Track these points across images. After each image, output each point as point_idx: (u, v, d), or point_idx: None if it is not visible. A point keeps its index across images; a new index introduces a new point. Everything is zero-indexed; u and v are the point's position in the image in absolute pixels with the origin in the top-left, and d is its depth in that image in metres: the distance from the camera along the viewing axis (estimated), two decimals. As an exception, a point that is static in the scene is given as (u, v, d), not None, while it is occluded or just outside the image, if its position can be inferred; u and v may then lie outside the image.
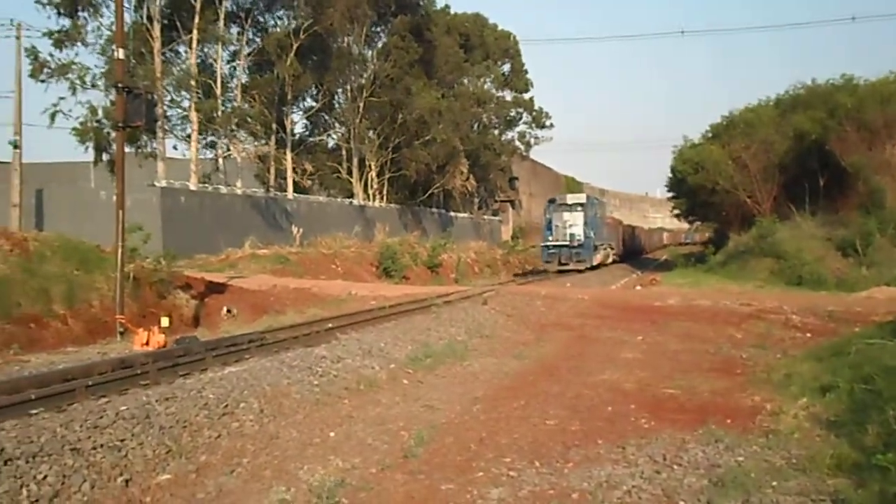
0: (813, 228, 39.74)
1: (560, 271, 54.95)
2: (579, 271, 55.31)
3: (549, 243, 57.71)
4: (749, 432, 9.97)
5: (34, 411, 10.73)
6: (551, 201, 62.62)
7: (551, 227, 57.78)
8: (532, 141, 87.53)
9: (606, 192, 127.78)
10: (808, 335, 19.15)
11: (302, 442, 10.08)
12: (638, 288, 35.08)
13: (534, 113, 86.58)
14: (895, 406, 9.17)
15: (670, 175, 66.90)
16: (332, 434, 10.38)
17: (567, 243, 55.73)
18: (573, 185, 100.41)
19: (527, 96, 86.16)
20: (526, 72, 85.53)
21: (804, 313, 23.08)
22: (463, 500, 7.79)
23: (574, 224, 56.17)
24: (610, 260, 68.25)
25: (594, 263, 58.90)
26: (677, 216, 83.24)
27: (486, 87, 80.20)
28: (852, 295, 28.16)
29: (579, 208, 58.36)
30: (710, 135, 57.71)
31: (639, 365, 15.42)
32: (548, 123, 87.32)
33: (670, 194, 75.13)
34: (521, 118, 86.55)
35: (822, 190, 42.50)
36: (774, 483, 7.98)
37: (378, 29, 63.30)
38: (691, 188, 60.24)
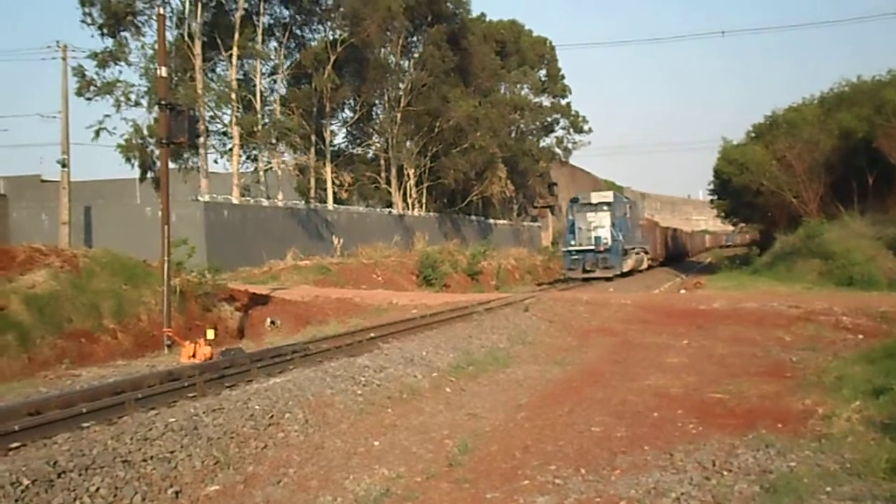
0: (862, 228, 38.96)
1: (585, 279, 46.85)
2: (607, 279, 46.73)
3: (571, 248, 48.78)
4: (800, 437, 9.86)
5: (86, 424, 10.85)
6: (574, 201, 53.08)
7: (574, 229, 49.02)
8: (570, 146, 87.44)
9: (647, 195, 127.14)
10: (860, 337, 18.96)
11: (347, 452, 10.07)
12: (682, 291, 34.79)
13: (571, 118, 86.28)
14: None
15: (713, 177, 65.62)
16: (376, 443, 10.38)
17: (592, 248, 47.06)
18: (613, 190, 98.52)
19: (564, 101, 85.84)
20: (563, 77, 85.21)
21: (855, 314, 22.72)
22: (510, 510, 7.78)
23: (599, 226, 47.47)
24: (645, 265, 59.19)
25: (624, 270, 49.61)
26: (721, 218, 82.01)
27: (523, 93, 79.99)
28: (905, 296, 27.75)
29: (605, 208, 48.91)
30: (753, 135, 56.87)
31: (685, 369, 15.33)
32: (586, 128, 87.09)
33: (713, 196, 73.96)
34: (558, 123, 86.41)
35: (871, 188, 41.77)
36: (828, 489, 7.85)
37: (414, 38, 63.15)
38: (735, 189, 58.58)
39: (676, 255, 78.02)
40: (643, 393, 13.12)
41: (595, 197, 50.94)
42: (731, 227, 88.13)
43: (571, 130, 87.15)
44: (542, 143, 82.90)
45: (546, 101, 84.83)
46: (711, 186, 70.71)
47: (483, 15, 72.16)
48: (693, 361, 16.29)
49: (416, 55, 63.44)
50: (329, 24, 57.47)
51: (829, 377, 13.78)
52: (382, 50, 60.27)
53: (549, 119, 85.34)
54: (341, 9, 55.54)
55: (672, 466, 8.79)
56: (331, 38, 56.64)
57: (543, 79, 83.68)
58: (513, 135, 74.40)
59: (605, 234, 46.93)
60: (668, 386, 13.63)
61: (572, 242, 48.34)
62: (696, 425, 10.73)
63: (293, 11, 55.59)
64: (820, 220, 42.77)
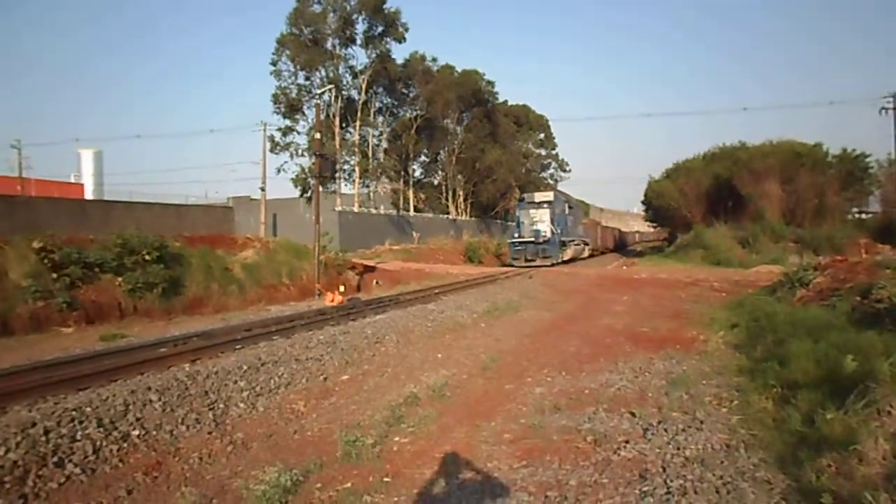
0: (725, 231, 40.31)
1: (528, 267, 34.94)
2: (547, 266, 35.67)
3: (515, 240, 37.83)
4: (690, 353, 9.88)
5: (275, 337, 11.13)
6: (521, 200, 41.57)
7: (519, 224, 38.33)
8: (558, 178, 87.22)
9: (603, 209, 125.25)
10: (724, 294, 18.84)
11: (421, 359, 10.17)
12: (623, 268, 34.57)
13: (559, 162, 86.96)
14: (772, 335, 9.28)
15: (644, 198, 65.01)
16: (439, 355, 10.46)
17: (532, 240, 36.57)
18: (583, 207, 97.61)
19: (554, 152, 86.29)
20: (554, 137, 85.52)
21: (721, 282, 22.75)
22: (519, 394, 7.87)
23: (540, 221, 37.06)
24: (586, 254, 48.00)
25: (564, 258, 38.72)
26: (647, 222, 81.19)
27: (528, 146, 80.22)
28: (747, 270, 27.93)
29: (545, 205, 38.25)
30: (666, 175, 56.53)
31: (624, 314, 15.29)
32: (567, 168, 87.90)
33: (644, 209, 73.14)
34: (550, 165, 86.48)
35: (731, 208, 42.98)
36: (704, 381, 7.99)
37: (464, 114, 63.47)
38: (655, 206, 59.12)
39: (622, 245, 77.26)
40: (600, 328, 13.12)
41: (538, 196, 38.98)
42: (652, 229, 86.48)
43: (559, 169, 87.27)
44: (541, 176, 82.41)
45: (543, 151, 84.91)
46: (642, 203, 70.12)
47: (506, 101, 72.28)
48: (629, 309, 16.24)
49: (465, 123, 63.68)
50: (413, 106, 57.99)
51: (706, 318, 13.77)
52: (445, 121, 60.51)
53: (545, 162, 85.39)
54: (421, 98, 56.35)
55: (616, 370, 8.84)
56: (413, 114, 57.19)
57: (542, 139, 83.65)
58: (523, 171, 74.13)
59: (545, 228, 36.20)
60: (615, 324, 13.62)
61: (516, 235, 37.20)
62: (631, 347, 10.74)
63: (392, 99, 56.17)
64: (702, 226, 44.10)
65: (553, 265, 34.52)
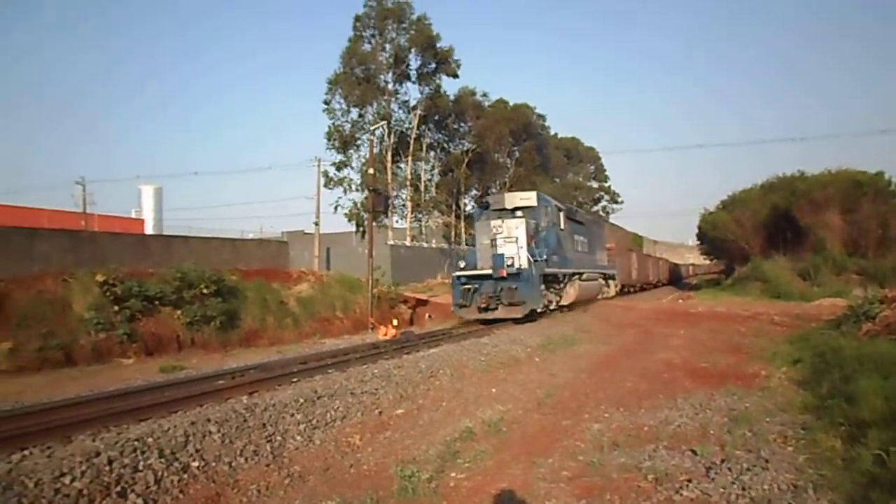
0: (784, 263, 38.93)
1: (484, 322, 20.00)
2: (517, 320, 19.63)
3: (462, 273, 20.48)
4: (752, 389, 9.60)
5: (330, 371, 11.24)
6: (482, 206, 24.70)
7: (477, 246, 21.35)
8: (610, 211, 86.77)
9: (657, 241, 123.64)
10: (785, 329, 18.33)
11: (476, 394, 10.09)
12: (679, 301, 33.93)
13: (610, 194, 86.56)
14: (838, 371, 8.99)
15: (698, 230, 63.85)
16: (493, 390, 10.38)
17: (489, 272, 19.76)
18: (637, 240, 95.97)
19: (606, 184, 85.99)
20: (605, 169, 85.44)
21: (782, 315, 22.15)
22: (577, 430, 7.74)
23: (507, 238, 20.30)
24: (611, 293, 33.14)
25: (549, 304, 22.05)
26: (702, 255, 79.69)
27: (579, 179, 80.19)
28: (809, 303, 27.10)
29: (519, 213, 21.72)
30: (721, 206, 55.55)
31: (682, 348, 14.98)
32: (619, 200, 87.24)
33: (698, 242, 71.82)
34: (602, 198, 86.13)
35: (789, 240, 41.69)
36: (767, 418, 7.73)
37: (515, 147, 63.76)
38: (710, 238, 58.02)
39: (676, 278, 75.69)
40: (657, 363, 12.86)
41: (508, 199, 22.63)
42: (707, 261, 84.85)
43: (610, 201, 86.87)
44: (592, 209, 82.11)
45: (594, 184, 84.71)
46: (696, 236, 68.91)
47: (556, 134, 72.59)
48: (687, 343, 15.91)
49: (516, 156, 63.90)
50: (464, 140, 58.50)
51: (768, 353, 13.40)
52: (496, 154, 60.83)
53: (596, 195, 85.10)
54: (472, 132, 56.80)
55: (676, 407, 8.64)
56: (465, 148, 57.63)
57: (592, 170, 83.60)
58: (573, 204, 74.09)
59: (512, 250, 20.03)
60: (673, 358, 13.34)
61: (461, 265, 20.83)
62: (690, 382, 10.50)
63: (443, 135, 56.77)
64: (760, 258, 42.73)
65: (532, 316, 20.16)
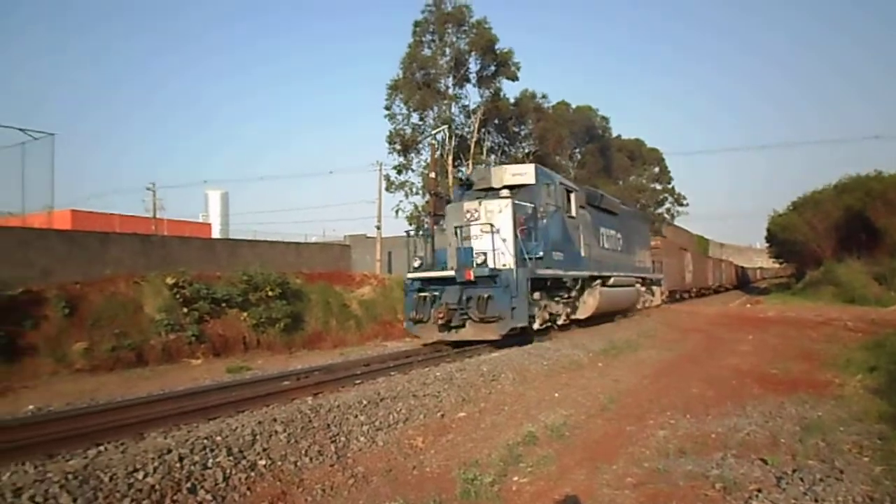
0: (859, 266, 37.44)
1: (454, 345, 14.81)
2: (490, 342, 14.47)
3: (417, 274, 15.02)
4: (824, 397, 9.31)
5: (392, 373, 11.38)
6: (462, 185, 17.66)
7: (448, 238, 15.19)
8: (675, 213, 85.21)
9: (724, 244, 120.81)
10: (859, 335, 17.73)
11: (538, 398, 10.03)
12: (747, 305, 33.17)
13: (675, 196, 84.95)
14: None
15: (767, 232, 62.27)
16: (556, 394, 10.31)
17: (451, 274, 14.10)
18: (702, 242, 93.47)
19: (670, 186, 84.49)
20: (668, 171, 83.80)
21: (856, 320, 21.44)
22: (641, 436, 7.64)
23: (485, 226, 14.25)
24: (656, 301, 27.48)
25: (546, 323, 15.92)
26: (771, 258, 77.55)
27: (643, 181, 78.97)
28: (885, 309, 26.16)
29: (505, 193, 15.44)
30: (791, 207, 54.04)
31: (750, 354, 14.64)
32: (685, 202, 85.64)
33: (767, 244, 69.91)
34: (666, 199, 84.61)
35: (864, 242, 40.23)
36: (841, 428, 7.48)
37: (576, 150, 63.31)
38: (780, 240, 56.52)
39: (744, 282, 73.78)
40: (724, 369, 12.60)
41: (496, 175, 16.45)
42: (777, 265, 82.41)
43: (675, 204, 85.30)
44: (656, 212, 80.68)
45: (658, 186, 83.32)
46: (765, 238, 67.11)
47: (619, 135, 71.67)
48: (755, 349, 15.53)
49: (578, 159, 63.42)
50: (525, 143, 58.26)
51: (841, 360, 13.00)
52: (557, 156, 60.44)
53: (660, 197, 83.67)
54: (533, 135, 56.53)
55: (744, 414, 8.43)
56: (525, 151, 57.36)
57: (656, 172, 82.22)
58: (638, 206, 72.98)
59: (486, 244, 14.14)
60: (740, 364, 13.04)
61: (415, 263, 15.55)
62: (759, 389, 10.24)
63: (503, 138, 56.58)
64: (833, 261, 41.43)
65: (527, 337, 15.41)
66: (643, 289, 25.45)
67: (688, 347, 16.66)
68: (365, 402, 8.51)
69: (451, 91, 50.16)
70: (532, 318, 14.90)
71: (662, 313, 26.03)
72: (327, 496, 6.00)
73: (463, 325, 14.20)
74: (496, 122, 54.69)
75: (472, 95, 52.76)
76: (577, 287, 17.89)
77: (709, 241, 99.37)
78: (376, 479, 6.42)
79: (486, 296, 13.81)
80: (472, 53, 50.00)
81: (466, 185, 17.27)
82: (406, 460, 7.02)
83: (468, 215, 14.75)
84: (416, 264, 15.46)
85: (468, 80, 51.17)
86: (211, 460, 6.12)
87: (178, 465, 5.89)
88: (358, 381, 10.59)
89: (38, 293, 15.48)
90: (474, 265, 13.98)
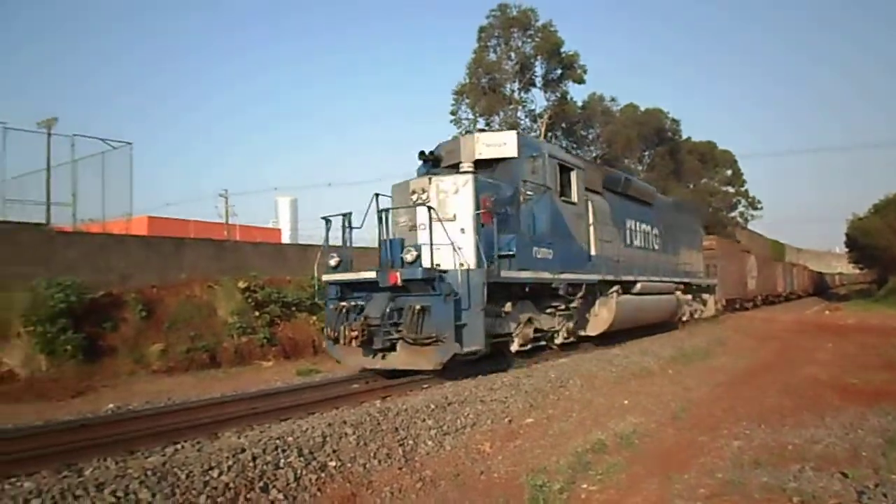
0: None
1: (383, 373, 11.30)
2: (429, 373, 10.78)
3: (331, 276, 11.41)
4: (910, 410, 8.99)
5: (460, 378, 11.31)
6: (428, 160, 13.00)
7: (385, 230, 10.93)
8: (748, 217, 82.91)
9: (801, 249, 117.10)
10: (946, 346, 17.00)
11: (607, 405, 9.93)
12: (826, 312, 32.00)
13: (749, 199, 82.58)
14: None
15: (846, 237, 60.09)
16: (625, 402, 10.18)
17: (372, 278, 10.37)
18: (777, 247, 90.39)
19: (743, 189, 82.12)
20: (742, 174, 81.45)
21: (943, 331, 20.56)
22: (714, 446, 7.48)
23: (442, 207, 10.60)
24: (707, 312, 24.56)
25: (525, 344, 12.68)
26: (851, 264, 74.82)
27: (714, 184, 77.09)
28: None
29: (467, 167, 12.19)
30: (873, 210, 52.04)
31: (829, 363, 14.18)
32: (759, 206, 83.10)
33: (847, 249, 67.51)
34: (739, 203, 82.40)
35: None
36: (928, 443, 7.21)
37: (645, 152, 62.40)
38: (860, 245, 54.33)
39: (822, 288, 71.12)
40: (802, 378, 12.22)
41: (465, 147, 12.63)
42: (857, 270, 79.43)
43: (749, 207, 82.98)
44: (729, 215, 78.64)
45: (731, 189, 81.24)
46: (845, 243, 64.74)
47: (689, 137, 70.11)
48: (834, 358, 15.02)
49: (646, 162, 62.50)
50: (592, 147, 57.77)
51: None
52: (626, 160, 59.70)
53: (733, 200, 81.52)
54: (601, 138, 56.07)
55: (823, 425, 8.18)
56: (593, 154, 56.87)
57: (729, 175, 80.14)
58: (709, 210, 71.21)
59: (423, 238, 10.29)
60: (819, 374, 12.64)
61: (331, 261, 11.61)
62: (839, 400, 9.91)
63: (570, 141, 56.21)
64: None
65: (472, 364, 11.66)
66: (688, 297, 22.40)
67: (763, 356, 16.22)
68: (432, 406, 8.57)
69: (516, 95, 50.10)
70: (498, 337, 11.96)
71: (735, 320, 25.39)
72: (396, 499, 6.07)
73: (393, 348, 10.56)
74: (563, 125, 54.41)
75: (539, 99, 52.60)
76: (578, 296, 14.13)
77: (784, 246, 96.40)
78: (444, 484, 6.46)
79: (417, 307, 10.14)
80: (538, 57, 49.86)
81: (433, 163, 13.08)
82: (473, 465, 7.05)
83: (414, 197, 11.15)
84: (332, 262, 11.68)
85: (534, 84, 51.04)
86: (283, 460, 6.27)
87: (251, 464, 6.05)
88: (425, 386, 10.66)
89: (118, 296, 16.12)
90: (404, 263, 10.29)
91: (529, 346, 13.06)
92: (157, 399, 11.05)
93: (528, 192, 12.48)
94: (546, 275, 12.63)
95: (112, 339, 15.16)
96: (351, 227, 11.67)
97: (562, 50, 49.47)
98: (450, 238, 10.25)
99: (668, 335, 19.15)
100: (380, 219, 10.90)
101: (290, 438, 6.80)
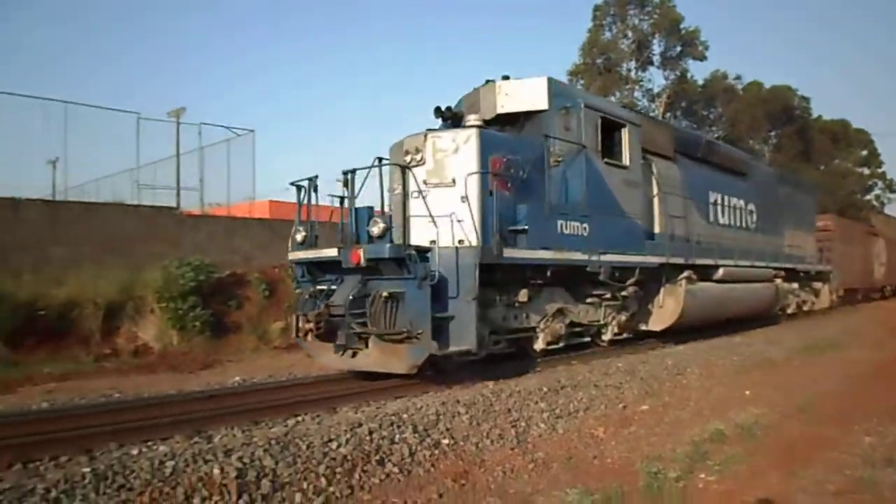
0: None
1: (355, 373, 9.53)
2: (404, 376, 8.74)
3: (296, 255, 9.59)
4: None
5: (573, 362, 11.33)
6: (446, 117, 10.27)
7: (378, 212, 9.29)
8: (885, 200, 77.81)
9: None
10: None
11: (727, 396, 9.61)
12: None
13: (886, 181, 77.32)
14: None
15: None
16: (747, 392, 9.82)
17: (334, 256, 8.64)
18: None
19: (880, 170, 76.96)
20: (878, 154, 76.21)
21: None
22: (843, 442, 7.11)
23: (431, 179, 8.75)
24: (821, 304, 21.72)
25: (544, 342, 10.55)
26: None
27: (848, 165, 72.57)
28: None
29: (473, 121, 9.54)
30: None
31: (975, 358, 13.24)
32: (897, 188, 77.93)
33: None
34: (875, 185, 77.34)
35: None
36: None
37: (771, 132, 59.48)
38: None
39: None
40: (944, 375, 11.46)
41: (484, 98, 10.47)
42: None
43: (886, 189, 77.77)
44: (864, 199, 74.00)
45: (866, 170, 76.25)
46: None
47: (820, 116, 66.16)
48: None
49: (772, 142, 59.60)
50: (714, 127, 55.65)
51: None
52: (750, 140, 57.17)
53: (868, 183, 76.54)
54: (723, 118, 53.93)
55: (968, 425, 7.65)
56: (715, 134, 54.84)
57: (864, 156, 75.21)
58: (843, 194, 67.12)
59: (417, 208, 8.43)
60: (964, 370, 11.82)
61: (298, 236, 9.87)
62: None
63: (691, 122, 54.38)
64: None
65: (463, 368, 9.90)
66: (793, 286, 19.51)
67: (897, 349, 15.25)
68: (545, 389, 8.58)
69: (633, 75, 48.91)
70: (516, 332, 10.22)
71: (870, 310, 23.92)
72: (508, 478, 6.13)
73: (366, 345, 8.76)
74: (683, 105, 52.72)
75: (657, 78, 51.14)
76: (632, 280, 11.90)
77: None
78: (556, 466, 6.47)
79: (384, 294, 8.34)
80: (656, 35, 48.44)
81: (452, 121, 10.33)
82: (586, 449, 7.01)
83: (407, 158, 9.29)
84: (298, 238, 9.94)
85: (651, 63, 49.65)
86: (398, 436, 6.45)
87: (367, 438, 6.26)
88: (538, 369, 10.65)
89: (242, 276, 16.98)
90: (371, 237, 8.53)
91: (563, 344, 11.19)
92: (279, 374, 11.59)
93: (559, 153, 10.06)
94: (577, 255, 10.30)
95: (237, 316, 16.01)
96: (316, 193, 9.80)
97: (681, 26, 47.84)
98: (447, 209, 8.44)
99: (793, 325, 18.29)
100: (345, 182, 9.03)
101: (405, 415, 6.99)
